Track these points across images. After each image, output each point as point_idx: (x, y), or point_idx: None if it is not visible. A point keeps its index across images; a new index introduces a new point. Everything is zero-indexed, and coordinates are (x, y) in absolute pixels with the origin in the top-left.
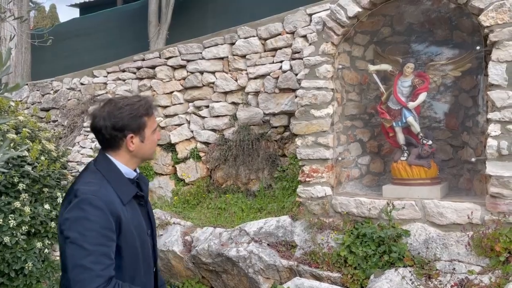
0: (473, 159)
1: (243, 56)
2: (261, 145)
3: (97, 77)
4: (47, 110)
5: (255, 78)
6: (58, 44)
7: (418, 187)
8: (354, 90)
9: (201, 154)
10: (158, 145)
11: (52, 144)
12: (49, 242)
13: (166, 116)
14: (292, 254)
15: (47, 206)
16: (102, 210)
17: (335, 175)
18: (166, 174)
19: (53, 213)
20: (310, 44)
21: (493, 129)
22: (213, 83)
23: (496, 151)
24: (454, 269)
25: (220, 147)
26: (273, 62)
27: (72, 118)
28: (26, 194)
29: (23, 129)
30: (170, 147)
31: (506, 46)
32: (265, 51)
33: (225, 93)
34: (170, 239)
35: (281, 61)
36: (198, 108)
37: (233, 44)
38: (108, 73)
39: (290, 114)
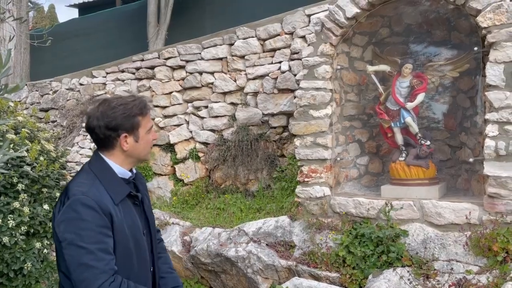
0: (471, 160)
1: (242, 57)
2: (260, 146)
3: (96, 77)
4: (46, 110)
5: (254, 78)
6: (57, 44)
7: (416, 187)
8: (352, 91)
9: (200, 154)
10: (157, 145)
11: (51, 144)
12: (48, 242)
13: (165, 117)
14: (291, 254)
15: (46, 207)
16: (94, 209)
17: (333, 175)
18: (165, 175)
19: None
20: (308, 45)
21: (491, 130)
22: (212, 83)
23: (494, 152)
24: (452, 269)
25: (219, 147)
26: (272, 63)
27: (71, 118)
28: (25, 195)
29: (22, 129)
30: (169, 147)
31: (504, 47)
32: (264, 51)
33: (224, 93)
34: (169, 239)
35: (280, 62)
36: (197, 108)
37: (232, 44)
38: (107, 73)
39: (289, 115)
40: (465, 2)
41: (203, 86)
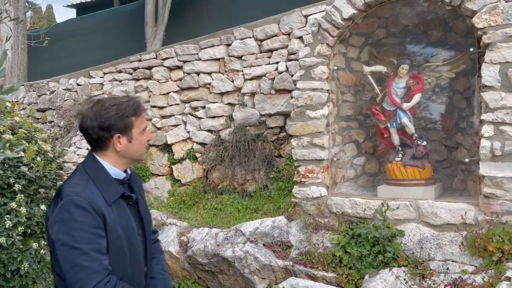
0: (467, 160)
1: (239, 57)
2: (257, 146)
3: (94, 77)
4: (43, 110)
5: (251, 79)
6: (55, 44)
7: (413, 187)
8: (349, 91)
9: (198, 154)
10: (155, 145)
11: (48, 144)
12: (45, 243)
13: (163, 117)
14: (288, 254)
15: (43, 207)
16: (86, 209)
17: (330, 175)
18: (162, 175)
19: None
20: (305, 46)
21: (487, 130)
22: (209, 84)
23: (490, 152)
24: (447, 269)
25: (217, 147)
26: (269, 63)
27: (68, 119)
28: (22, 195)
29: (19, 129)
30: (167, 147)
31: (499, 48)
32: (261, 52)
33: (221, 94)
34: (166, 240)
35: (277, 62)
36: (195, 109)
37: (229, 45)
38: (105, 73)
39: (286, 115)
40: (461, 3)
41: (200, 86)
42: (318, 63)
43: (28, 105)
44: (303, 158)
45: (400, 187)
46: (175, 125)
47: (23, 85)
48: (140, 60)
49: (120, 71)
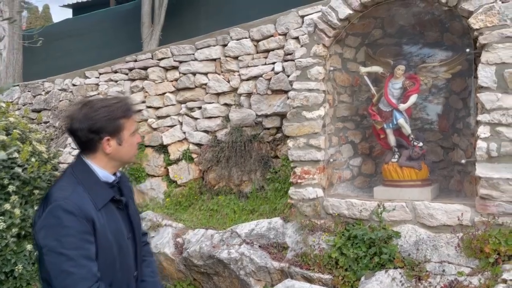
0: (463, 161)
1: (236, 58)
2: (253, 147)
3: (89, 78)
4: (38, 111)
5: (248, 79)
6: (51, 44)
7: (409, 188)
8: (345, 92)
9: (194, 155)
10: (150, 146)
11: (43, 145)
12: None
13: (158, 117)
14: (284, 256)
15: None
16: (75, 214)
17: (326, 176)
18: (158, 176)
19: None
20: (301, 46)
21: (483, 131)
22: (205, 84)
23: (486, 153)
24: (444, 270)
25: (213, 148)
26: (265, 64)
27: (64, 119)
28: (16, 196)
29: (14, 130)
30: (162, 148)
31: (495, 49)
32: (257, 52)
33: (218, 94)
34: (162, 241)
35: (274, 63)
36: (191, 109)
37: (225, 45)
38: (100, 74)
39: (282, 116)
40: (457, 4)
41: (196, 87)
42: (314, 63)
43: (23, 105)
44: (299, 159)
45: (397, 188)
46: (171, 126)
47: (18, 85)
48: (135, 61)
49: (115, 72)
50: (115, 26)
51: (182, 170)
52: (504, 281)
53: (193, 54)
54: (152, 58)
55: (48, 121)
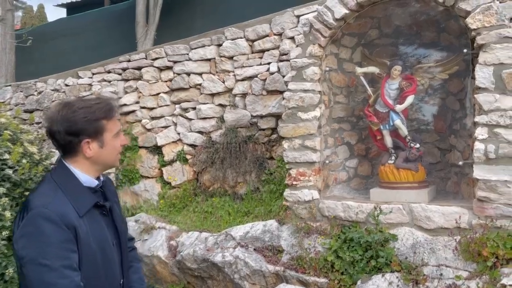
0: (460, 163)
1: (231, 58)
2: (248, 148)
3: (82, 78)
4: (30, 111)
5: (243, 80)
6: (45, 44)
7: (406, 190)
8: (341, 93)
9: (188, 156)
10: (144, 147)
11: (34, 146)
12: None
13: (152, 118)
14: (279, 259)
15: None
16: (55, 222)
17: (322, 178)
18: (152, 177)
19: None
20: (297, 46)
21: (480, 133)
22: (200, 84)
23: (484, 155)
24: (441, 274)
25: (207, 149)
26: (260, 64)
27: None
28: (7, 199)
29: (4, 131)
30: (157, 149)
31: (493, 49)
32: (252, 52)
33: (212, 95)
34: (155, 244)
35: (269, 63)
36: (185, 110)
37: (220, 45)
38: (93, 74)
39: (277, 116)
40: (455, 3)
41: (191, 87)
42: (309, 64)
43: (15, 105)
44: (294, 160)
45: (393, 190)
46: (165, 127)
47: (10, 85)
48: (129, 61)
49: (109, 72)
50: (110, 26)
51: (176, 172)
52: (504, 286)
53: (188, 54)
54: (146, 58)
55: (41, 122)
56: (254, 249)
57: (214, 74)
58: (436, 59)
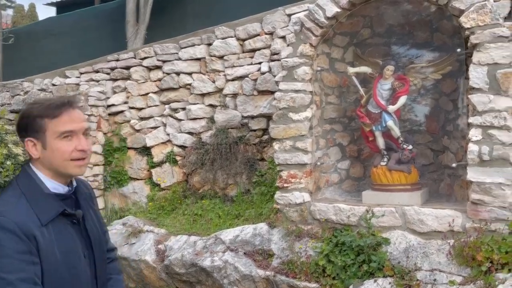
0: (454, 165)
1: (221, 57)
2: (239, 149)
3: (70, 77)
4: (17, 112)
5: (233, 79)
6: (34, 43)
7: (398, 193)
8: (333, 93)
9: (178, 158)
10: (133, 148)
11: (19, 148)
12: None
13: (141, 119)
14: (269, 263)
15: None
16: (12, 232)
17: (313, 180)
18: (141, 179)
19: None
20: (288, 45)
21: (474, 134)
22: (189, 84)
23: (477, 157)
24: (435, 279)
25: (197, 150)
26: (251, 64)
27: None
28: None
29: None
30: (146, 150)
31: (487, 49)
32: (243, 52)
33: (202, 95)
34: (143, 248)
35: (260, 63)
36: (175, 110)
37: (210, 44)
38: (81, 73)
39: (269, 117)
40: (448, 2)
41: (180, 87)
42: (301, 63)
43: (1, 106)
44: (285, 162)
45: (386, 193)
46: (155, 127)
47: None
48: (118, 60)
49: (97, 71)
50: (100, 25)
51: (165, 173)
52: None
53: (177, 53)
54: (134, 58)
55: None
56: (244, 253)
57: (204, 74)
58: (429, 59)
